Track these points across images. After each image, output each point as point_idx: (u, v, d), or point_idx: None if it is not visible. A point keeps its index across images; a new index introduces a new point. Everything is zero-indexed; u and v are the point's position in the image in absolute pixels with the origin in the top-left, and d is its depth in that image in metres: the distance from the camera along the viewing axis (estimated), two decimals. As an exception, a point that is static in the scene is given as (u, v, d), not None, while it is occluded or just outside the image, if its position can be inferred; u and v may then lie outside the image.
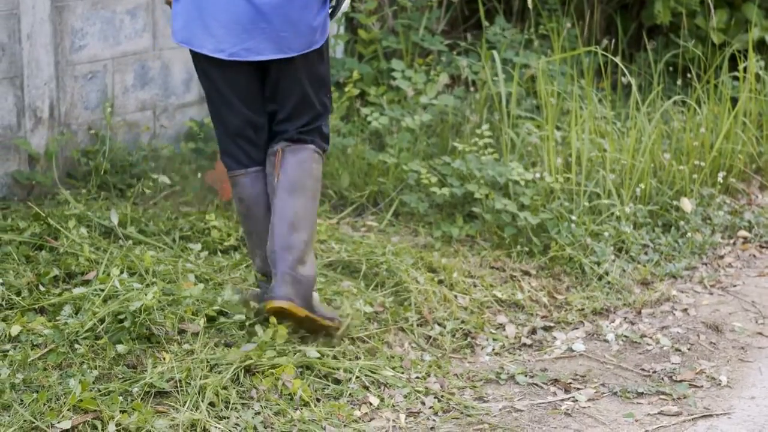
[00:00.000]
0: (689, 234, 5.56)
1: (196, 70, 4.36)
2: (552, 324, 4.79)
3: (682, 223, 5.63)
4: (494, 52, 6.18)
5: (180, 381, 3.93)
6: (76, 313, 4.25)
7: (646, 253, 5.40)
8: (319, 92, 4.36)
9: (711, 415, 4.10)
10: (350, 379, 4.14)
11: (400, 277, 4.81)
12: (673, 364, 4.47)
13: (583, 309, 4.91)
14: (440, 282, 4.90)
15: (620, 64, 6.23)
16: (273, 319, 4.23)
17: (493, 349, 4.56)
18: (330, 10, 4.28)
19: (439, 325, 4.64)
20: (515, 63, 6.27)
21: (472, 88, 6.34)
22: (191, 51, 4.29)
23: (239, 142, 4.37)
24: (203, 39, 4.22)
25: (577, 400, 4.19)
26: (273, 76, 4.31)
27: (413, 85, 6.11)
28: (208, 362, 4.05)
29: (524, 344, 4.63)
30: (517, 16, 7.15)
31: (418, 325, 4.59)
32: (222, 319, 4.35)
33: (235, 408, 3.89)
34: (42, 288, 4.45)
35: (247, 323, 4.33)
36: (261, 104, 4.37)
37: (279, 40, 4.19)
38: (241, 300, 4.42)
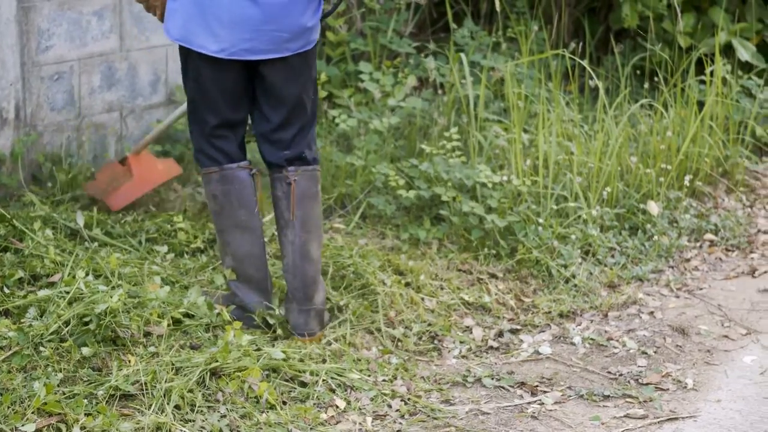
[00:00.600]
0: (656, 237, 5.57)
1: (186, 69, 4.37)
2: (519, 327, 4.79)
3: (648, 226, 5.64)
4: (462, 54, 6.18)
5: (145, 384, 3.91)
6: (41, 316, 4.22)
7: (612, 256, 5.41)
8: (310, 96, 4.42)
9: (677, 418, 4.11)
10: (317, 381, 4.13)
11: (367, 279, 4.80)
12: (639, 367, 4.48)
13: (549, 312, 4.91)
14: (407, 284, 4.89)
15: (588, 68, 6.24)
16: (237, 324, 4.23)
17: (460, 352, 4.56)
18: (327, 10, 4.37)
19: (406, 327, 4.64)
20: (483, 66, 6.27)
21: (440, 91, 6.34)
22: (184, 49, 4.31)
23: (215, 142, 4.41)
24: (204, 38, 4.24)
25: (543, 403, 4.19)
26: (267, 78, 4.34)
27: (381, 88, 6.10)
28: (173, 365, 4.03)
29: (491, 347, 4.63)
30: (485, 18, 7.16)
31: (384, 328, 4.58)
32: (188, 322, 4.34)
33: (201, 411, 3.88)
34: (6, 290, 4.41)
35: (212, 326, 4.32)
36: (244, 104, 4.41)
37: (279, 40, 4.24)
38: (209, 302, 4.41)
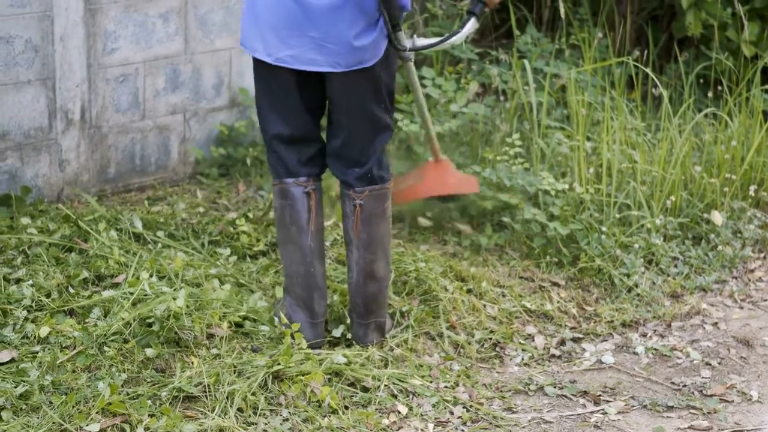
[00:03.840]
0: (719, 247, 5.52)
1: (254, 73, 4.33)
2: (581, 335, 4.76)
3: (712, 236, 5.60)
4: (525, 61, 6.16)
5: (208, 386, 3.92)
6: (105, 316, 4.26)
7: (675, 266, 5.37)
8: (381, 112, 4.26)
9: (742, 430, 4.07)
10: (379, 387, 4.13)
11: (429, 285, 4.79)
12: (703, 378, 4.45)
13: (612, 321, 4.88)
14: (469, 291, 4.88)
15: (651, 75, 6.20)
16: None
17: (522, 360, 4.54)
18: (392, 32, 4.14)
19: (468, 334, 4.62)
20: (546, 72, 6.25)
21: (502, 97, 6.32)
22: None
23: (278, 152, 4.34)
24: (255, 41, 4.17)
25: (606, 413, 4.17)
26: (329, 91, 4.23)
27: (443, 93, 6.09)
28: (235, 367, 4.04)
29: (553, 355, 4.61)
30: (547, 25, 7.13)
31: (447, 333, 4.57)
32: (249, 325, 4.35)
33: (264, 414, 3.89)
34: (71, 290, 4.45)
35: (273, 330, 4.33)
36: (311, 117, 4.30)
37: (326, 51, 4.09)
38: (269, 309, 4.43)
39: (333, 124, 4.31)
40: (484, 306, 4.81)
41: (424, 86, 6.19)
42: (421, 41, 4.41)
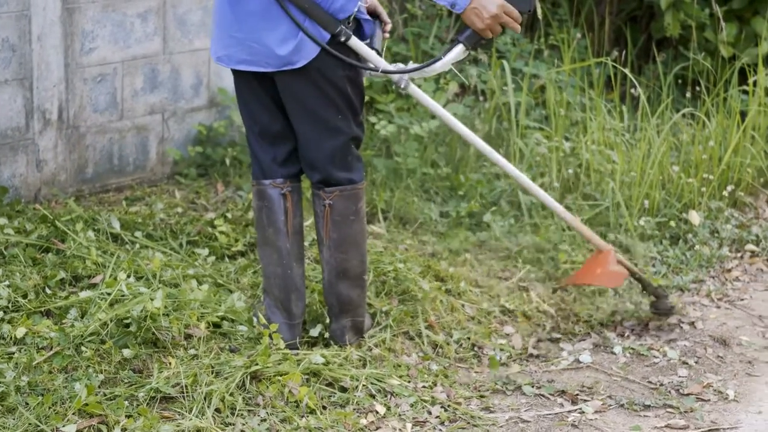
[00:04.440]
0: (697, 247, 5.54)
1: None
2: (559, 335, 4.77)
3: (689, 235, 5.62)
4: (504, 61, 6.17)
5: (186, 386, 3.92)
6: (82, 317, 4.24)
7: (653, 266, 5.38)
8: (336, 115, 4.17)
9: (718, 429, 4.08)
10: (357, 387, 4.13)
11: (408, 285, 4.79)
12: (680, 377, 4.46)
13: (590, 320, 4.89)
14: (447, 291, 4.88)
15: (630, 76, 6.22)
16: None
17: (500, 360, 4.54)
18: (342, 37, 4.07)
19: (447, 334, 4.63)
20: (525, 73, 6.26)
21: (481, 98, 6.33)
22: None
23: (254, 148, 4.34)
24: (212, 41, 4.25)
25: (584, 412, 4.17)
26: (280, 91, 4.19)
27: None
28: (213, 368, 4.04)
29: (531, 355, 4.62)
30: (527, 26, 7.14)
31: (425, 333, 4.57)
32: (227, 325, 4.35)
33: (241, 415, 3.88)
34: (48, 291, 4.43)
35: (251, 330, 4.33)
36: (280, 115, 4.26)
37: (254, 51, 4.08)
38: (248, 308, 4.43)
39: (292, 126, 4.29)
40: (463, 306, 4.82)
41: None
42: (397, 67, 4.22)
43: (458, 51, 4.17)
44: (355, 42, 4.09)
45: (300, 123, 4.21)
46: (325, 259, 4.36)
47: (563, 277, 5.10)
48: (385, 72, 4.19)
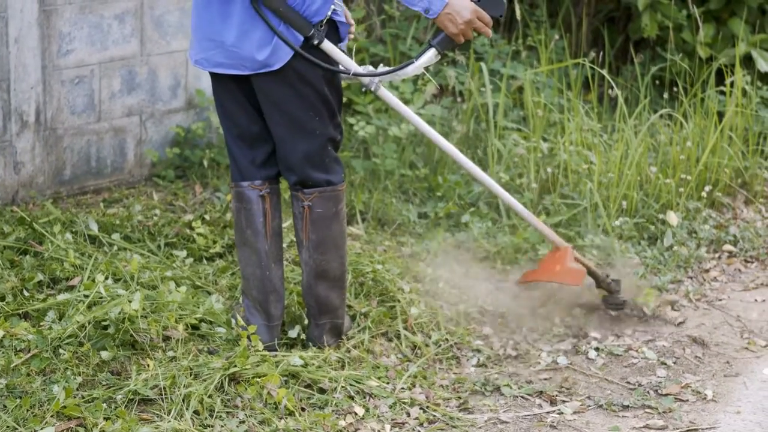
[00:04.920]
0: (675, 247, 5.56)
1: None
2: (538, 336, 4.78)
3: (667, 236, 5.63)
4: (482, 63, 6.17)
5: (164, 388, 3.91)
6: (60, 319, 4.23)
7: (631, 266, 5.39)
8: (313, 116, 4.17)
9: (697, 429, 4.09)
10: (335, 388, 4.12)
11: (386, 286, 4.79)
12: (658, 377, 4.47)
13: (568, 321, 4.89)
14: (426, 292, 4.88)
15: (607, 77, 6.23)
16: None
17: (479, 361, 4.55)
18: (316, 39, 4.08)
19: (425, 335, 4.63)
20: (502, 74, 6.26)
21: (459, 99, 6.33)
22: None
23: (233, 150, 4.33)
24: (191, 44, 4.25)
25: (562, 413, 4.18)
26: (257, 93, 4.19)
27: (401, 95, 6.10)
28: (191, 370, 4.03)
29: (510, 356, 4.62)
30: (504, 27, 7.15)
31: (404, 335, 4.57)
32: (206, 327, 4.34)
33: (220, 416, 3.87)
34: (26, 293, 4.42)
35: (227, 337, 4.32)
36: (258, 117, 4.26)
37: (230, 55, 4.08)
38: (226, 310, 4.42)
39: (269, 127, 4.29)
40: (441, 307, 4.82)
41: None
42: (367, 69, 4.24)
43: (430, 55, 4.19)
44: (327, 45, 4.10)
45: (276, 125, 4.21)
46: (304, 260, 4.35)
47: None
48: (356, 75, 4.20)
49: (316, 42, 4.06)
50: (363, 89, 4.25)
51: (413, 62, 4.20)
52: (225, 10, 4.05)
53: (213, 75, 4.25)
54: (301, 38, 4.06)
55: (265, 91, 4.15)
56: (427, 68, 4.28)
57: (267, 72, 4.09)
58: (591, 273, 4.90)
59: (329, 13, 4.08)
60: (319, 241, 4.32)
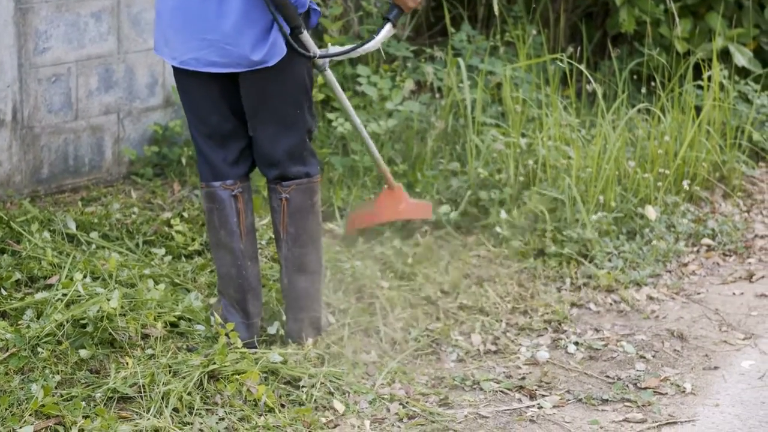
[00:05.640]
0: (653, 242, 5.57)
1: (174, 74, 4.30)
2: (517, 331, 4.78)
3: (646, 230, 5.64)
4: (460, 59, 6.17)
5: (143, 386, 3.90)
6: (38, 318, 4.21)
7: (610, 260, 5.40)
8: (294, 111, 4.22)
9: (676, 423, 4.10)
10: (315, 385, 4.12)
11: (365, 282, 4.79)
12: (637, 371, 4.48)
13: (548, 316, 4.90)
14: (406, 287, 4.88)
15: (585, 72, 6.24)
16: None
17: (458, 356, 4.55)
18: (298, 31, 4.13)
19: (405, 331, 4.63)
20: (481, 70, 6.26)
21: (437, 95, 6.33)
22: None
23: (204, 149, 4.31)
24: (162, 44, 4.20)
25: (542, 407, 4.18)
26: (243, 89, 4.19)
27: (379, 91, 6.09)
28: (170, 367, 4.02)
29: (489, 350, 4.62)
30: (482, 23, 7.15)
31: (384, 331, 4.57)
32: (185, 324, 4.33)
33: (199, 414, 3.87)
34: (4, 292, 4.41)
35: (206, 334, 4.31)
36: (231, 114, 4.25)
37: (225, 53, 4.08)
38: (205, 307, 4.42)
39: (248, 123, 4.28)
40: (422, 302, 4.82)
41: (359, 84, 6.19)
42: (333, 49, 4.36)
43: (387, 29, 4.39)
44: (306, 33, 4.17)
45: (262, 121, 4.22)
46: (283, 254, 4.36)
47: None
48: (322, 57, 4.28)
49: (304, 31, 4.12)
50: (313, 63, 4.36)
51: (373, 38, 4.38)
52: (220, 9, 4.03)
53: (188, 74, 4.20)
54: (289, 29, 4.09)
55: (253, 88, 4.16)
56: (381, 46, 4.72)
57: (260, 69, 4.10)
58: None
59: (309, 4, 4.16)
60: (297, 234, 4.33)
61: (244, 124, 4.29)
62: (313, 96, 4.31)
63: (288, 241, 4.34)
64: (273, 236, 5.07)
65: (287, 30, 4.08)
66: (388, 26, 4.36)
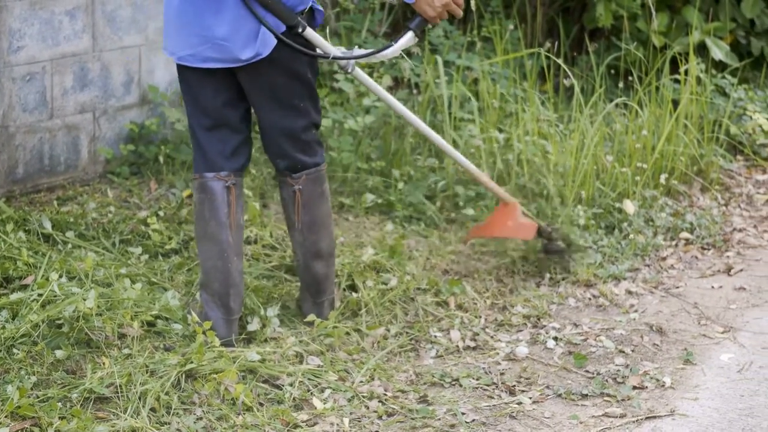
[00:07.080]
0: (632, 236, 5.57)
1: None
2: (496, 327, 4.77)
3: (624, 224, 5.64)
4: (437, 54, 6.16)
5: (120, 386, 3.88)
6: (14, 318, 4.18)
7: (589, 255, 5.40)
8: (298, 102, 4.29)
9: (655, 417, 4.10)
10: (293, 383, 4.10)
11: (345, 278, 4.78)
12: (617, 366, 4.47)
13: (526, 311, 4.89)
14: (385, 284, 4.87)
15: (563, 66, 6.23)
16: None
17: (437, 352, 4.53)
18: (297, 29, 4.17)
19: (384, 328, 4.61)
20: (458, 65, 6.26)
21: (415, 91, 6.32)
22: None
23: (201, 139, 4.35)
24: (167, 40, 4.28)
25: (521, 403, 4.17)
26: (243, 83, 4.26)
27: (356, 88, 6.08)
28: (147, 367, 4.00)
29: (468, 347, 4.61)
30: (459, 18, 7.13)
31: (363, 329, 4.56)
32: (162, 323, 4.31)
33: (177, 413, 3.85)
34: (-21, 293, 4.38)
35: (186, 327, 4.29)
36: (232, 107, 4.32)
37: (221, 49, 4.15)
38: (182, 306, 4.39)
39: (256, 116, 4.37)
40: (400, 299, 4.80)
41: (336, 80, 6.17)
42: (353, 52, 4.36)
43: (408, 38, 4.39)
44: (309, 32, 4.20)
45: (267, 112, 4.30)
46: (298, 242, 4.47)
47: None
48: (335, 59, 4.32)
49: (300, 30, 4.16)
50: (341, 70, 4.40)
51: (392, 45, 4.38)
52: (216, 6, 4.10)
53: (190, 69, 4.27)
54: (283, 27, 4.14)
55: (255, 81, 4.23)
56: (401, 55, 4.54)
57: (256, 62, 4.15)
58: (540, 227, 5.13)
59: (310, 2, 4.21)
60: (311, 222, 4.45)
61: (242, 117, 4.37)
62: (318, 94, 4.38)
63: (303, 230, 4.45)
64: (249, 234, 5.06)
65: (279, 30, 4.12)
66: (409, 34, 4.37)
